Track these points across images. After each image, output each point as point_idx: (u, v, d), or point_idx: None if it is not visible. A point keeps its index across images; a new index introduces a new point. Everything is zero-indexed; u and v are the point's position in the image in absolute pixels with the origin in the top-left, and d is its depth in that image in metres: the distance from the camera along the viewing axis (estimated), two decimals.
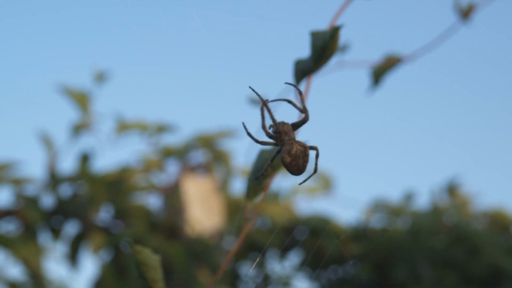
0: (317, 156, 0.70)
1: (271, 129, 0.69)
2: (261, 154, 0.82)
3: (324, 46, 0.82)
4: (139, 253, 0.69)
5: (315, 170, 0.71)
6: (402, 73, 1.36)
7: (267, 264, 2.13)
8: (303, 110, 0.70)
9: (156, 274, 0.70)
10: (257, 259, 2.11)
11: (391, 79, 1.32)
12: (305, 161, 0.68)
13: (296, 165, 0.68)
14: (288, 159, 0.68)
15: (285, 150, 0.68)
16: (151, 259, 0.69)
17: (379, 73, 1.29)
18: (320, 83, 0.91)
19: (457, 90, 3.16)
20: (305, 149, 0.68)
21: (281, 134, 0.69)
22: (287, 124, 0.69)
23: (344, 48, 1.14)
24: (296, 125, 0.70)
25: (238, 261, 2.06)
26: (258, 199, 0.84)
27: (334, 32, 0.80)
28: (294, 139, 0.69)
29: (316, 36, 0.84)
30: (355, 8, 0.96)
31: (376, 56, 1.29)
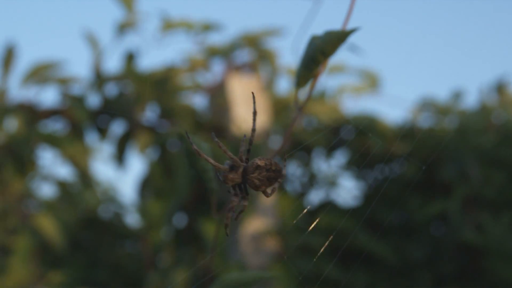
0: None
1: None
2: (312, 41, 0.80)
3: None
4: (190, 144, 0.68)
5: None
6: None
7: (313, 163, 2.13)
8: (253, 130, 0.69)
9: (206, 163, 0.70)
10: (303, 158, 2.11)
11: None
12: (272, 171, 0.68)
13: (266, 180, 0.68)
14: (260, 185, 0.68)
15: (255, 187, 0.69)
16: (201, 148, 0.68)
17: None
18: None
19: None
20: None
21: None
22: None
23: None
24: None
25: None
26: (307, 94, 0.83)
27: None
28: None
29: None
30: None
31: None
